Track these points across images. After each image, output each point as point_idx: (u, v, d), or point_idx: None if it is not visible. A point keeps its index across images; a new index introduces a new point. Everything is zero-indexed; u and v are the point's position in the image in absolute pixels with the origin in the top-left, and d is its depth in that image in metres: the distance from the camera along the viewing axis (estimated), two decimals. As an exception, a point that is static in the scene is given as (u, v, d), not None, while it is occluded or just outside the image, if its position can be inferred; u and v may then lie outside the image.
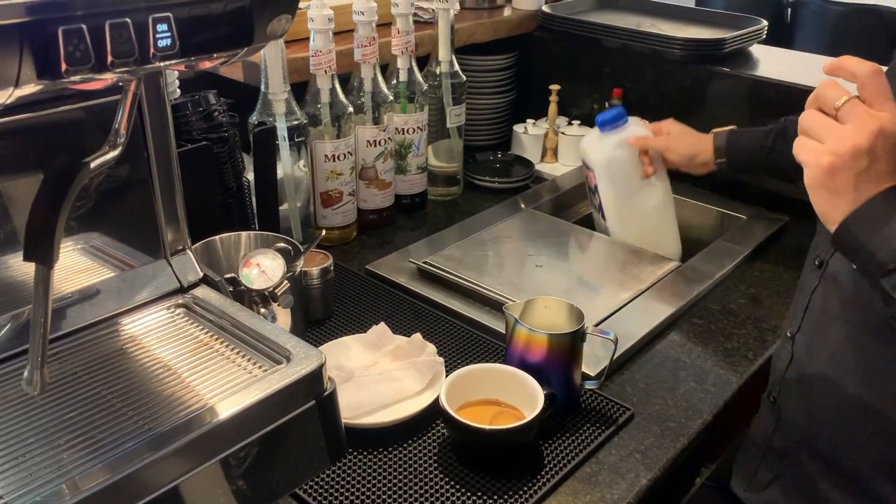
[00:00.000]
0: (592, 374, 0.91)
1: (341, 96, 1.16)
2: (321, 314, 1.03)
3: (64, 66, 0.43)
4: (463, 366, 0.85)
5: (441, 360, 0.89)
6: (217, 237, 0.93)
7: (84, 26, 0.43)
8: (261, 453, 0.61)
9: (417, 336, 0.91)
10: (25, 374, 0.55)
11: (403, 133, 1.28)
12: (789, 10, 3.38)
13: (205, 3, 0.48)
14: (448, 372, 0.87)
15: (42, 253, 0.48)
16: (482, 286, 1.05)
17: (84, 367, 0.64)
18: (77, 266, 0.70)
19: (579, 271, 1.19)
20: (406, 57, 1.24)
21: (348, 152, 1.19)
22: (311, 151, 1.16)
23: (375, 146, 1.23)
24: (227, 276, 0.81)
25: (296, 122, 1.10)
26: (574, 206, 1.43)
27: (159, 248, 0.73)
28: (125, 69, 0.46)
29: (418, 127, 1.28)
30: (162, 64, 0.48)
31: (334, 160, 1.18)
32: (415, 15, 1.24)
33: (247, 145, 1.07)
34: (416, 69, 1.26)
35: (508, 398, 0.84)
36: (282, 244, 0.89)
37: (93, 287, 0.70)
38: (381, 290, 1.10)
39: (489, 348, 0.97)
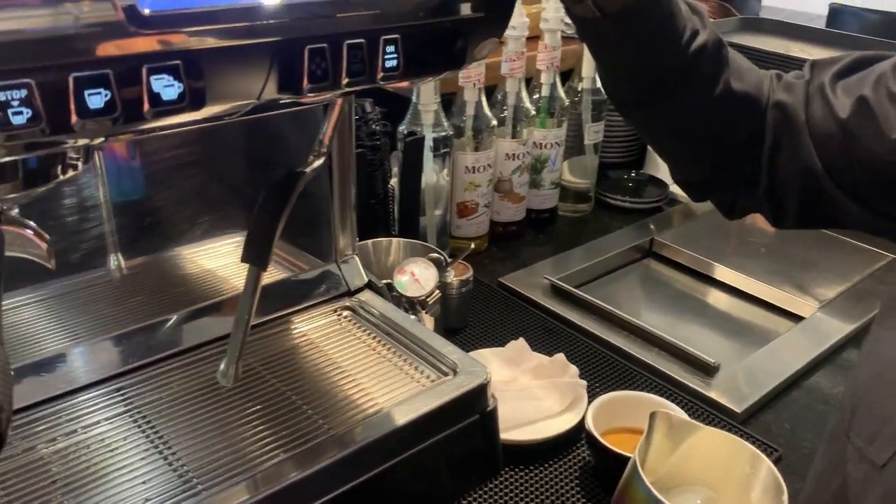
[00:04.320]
0: (738, 411, 0.89)
1: (486, 109, 1.17)
2: (457, 324, 1.04)
3: (306, 83, 0.45)
4: (602, 390, 0.84)
5: (584, 382, 0.88)
6: (369, 241, 0.96)
7: (327, 46, 0.45)
8: (424, 464, 0.62)
9: (560, 356, 0.91)
10: (222, 366, 0.58)
11: (541, 148, 1.28)
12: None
13: (430, 26, 0.50)
14: (588, 395, 0.86)
15: (259, 256, 0.51)
16: (620, 313, 1.04)
17: (262, 363, 0.67)
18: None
19: (715, 311, 1.16)
20: (551, 72, 1.24)
21: (488, 164, 1.20)
22: (452, 162, 1.17)
23: (514, 160, 1.23)
24: (385, 281, 0.84)
25: (442, 134, 1.12)
26: (707, 238, 1.36)
27: (329, 252, 0.76)
28: (355, 88, 0.48)
29: (556, 142, 1.28)
30: (384, 84, 0.50)
31: (474, 172, 1.19)
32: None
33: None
34: (559, 85, 1.26)
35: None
36: (434, 254, 0.91)
37: (267, 287, 0.73)
38: (513, 304, 1.10)
39: (629, 375, 0.96)
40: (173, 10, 0.39)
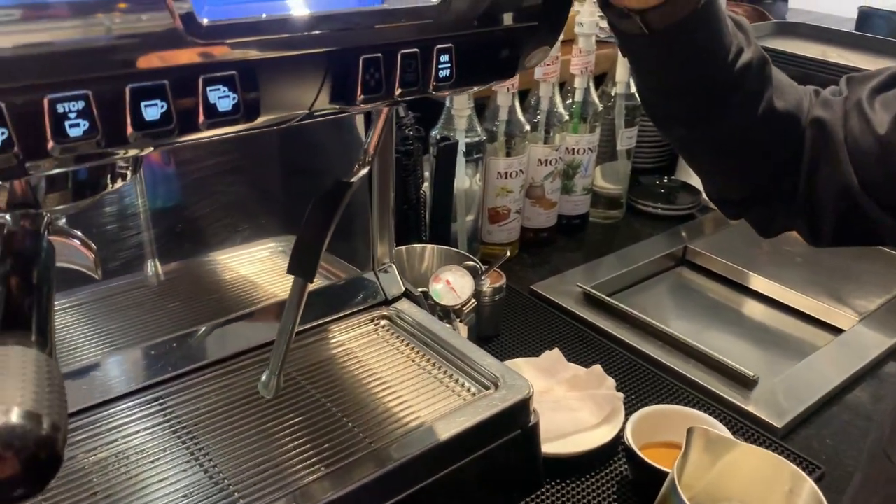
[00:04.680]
0: (779, 426, 0.87)
1: (519, 114, 1.16)
2: (489, 332, 1.03)
3: (360, 94, 0.44)
4: (638, 402, 0.83)
5: (621, 395, 0.87)
6: (403, 248, 0.95)
7: (381, 55, 0.44)
8: (465, 480, 0.61)
9: (597, 368, 0.89)
10: (263, 377, 0.57)
11: (574, 153, 1.26)
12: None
13: (483, 35, 0.48)
14: (625, 408, 0.85)
15: (306, 268, 0.50)
16: (656, 323, 1.02)
17: (301, 373, 0.66)
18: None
19: (750, 322, 1.13)
20: (584, 77, 1.22)
21: (520, 170, 1.18)
22: (485, 167, 1.16)
23: (546, 165, 1.22)
24: (421, 289, 0.82)
25: (475, 139, 1.11)
26: (741, 247, 1.32)
27: (367, 260, 0.75)
28: (407, 98, 0.47)
29: (589, 148, 1.27)
30: (436, 94, 0.49)
31: (506, 177, 1.18)
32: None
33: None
34: (592, 89, 1.24)
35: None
36: (470, 262, 0.89)
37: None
38: (546, 313, 1.09)
39: (665, 387, 0.94)
40: (231, 19, 0.38)
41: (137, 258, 0.69)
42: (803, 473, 0.68)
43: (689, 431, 0.68)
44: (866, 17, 2.99)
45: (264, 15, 0.39)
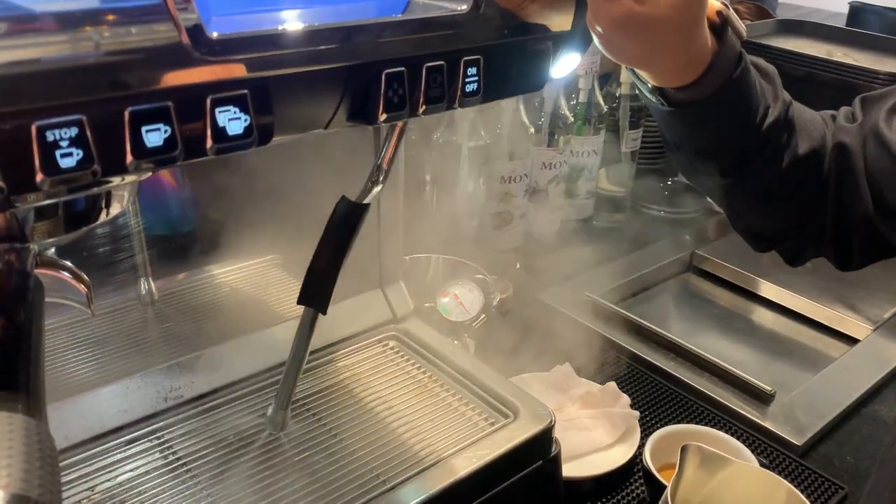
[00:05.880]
0: (799, 444, 0.84)
1: (524, 117, 1.12)
2: (496, 344, 0.99)
3: (381, 112, 0.40)
4: (652, 419, 0.79)
5: (636, 413, 0.83)
6: (406, 257, 0.90)
7: (404, 69, 0.40)
8: (483, 513, 0.58)
9: (612, 385, 0.86)
10: (269, 411, 0.53)
11: (578, 156, 1.23)
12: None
13: (513, 45, 0.44)
14: (640, 426, 0.81)
15: (319, 298, 0.46)
16: (669, 334, 0.99)
17: (309, 401, 0.62)
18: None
19: (762, 332, 1.10)
20: (589, 77, 1.18)
21: (524, 174, 1.14)
22: (488, 172, 1.12)
23: (550, 169, 1.18)
24: (428, 304, 0.79)
25: (479, 143, 1.06)
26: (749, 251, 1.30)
27: (374, 277, 0.71)
28: (432, 114, 0.43)
29: (594, 151, 1.23)
30: (461, 108, 0.45)
31: (510, 182, 1.14)
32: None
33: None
34: (597, 90, 1.20)
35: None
36: (480, 275, 0.85)
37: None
38: (554, 323, 1.05)
39: (682, 404, 0.91)
40: (242, 32, 0.34)
41: (130, 277, 0.64)
42: (798, 492, 0.66)
43: (684, 449, 0.66)
44: (857, 12, 2.96)
45: (279, 27, 0.35)
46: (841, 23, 3.16)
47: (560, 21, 0.46)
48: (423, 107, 0.42)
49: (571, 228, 1.28)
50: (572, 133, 1.20)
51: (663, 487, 0.72)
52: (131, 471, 0.54)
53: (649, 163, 1.48)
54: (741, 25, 0.54)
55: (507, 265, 1.17)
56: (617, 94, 1.26)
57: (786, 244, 0.66)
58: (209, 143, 0.34)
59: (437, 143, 1.05)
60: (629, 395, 0.87)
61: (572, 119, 1.18)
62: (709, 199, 1.35)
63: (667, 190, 1.40)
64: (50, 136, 0.30)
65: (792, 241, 0.65)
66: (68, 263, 0.42)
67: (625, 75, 1.24)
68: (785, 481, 0.67)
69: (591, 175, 1.25)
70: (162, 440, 0.57)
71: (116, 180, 0.35)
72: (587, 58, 1.16)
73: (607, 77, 1.28)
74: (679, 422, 0.87)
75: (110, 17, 0.31)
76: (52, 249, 0.43)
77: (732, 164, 0.59)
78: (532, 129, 1.13)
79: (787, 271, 1.19)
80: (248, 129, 0.35)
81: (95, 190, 0.37)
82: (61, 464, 0.51)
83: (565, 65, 0.50)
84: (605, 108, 1.22)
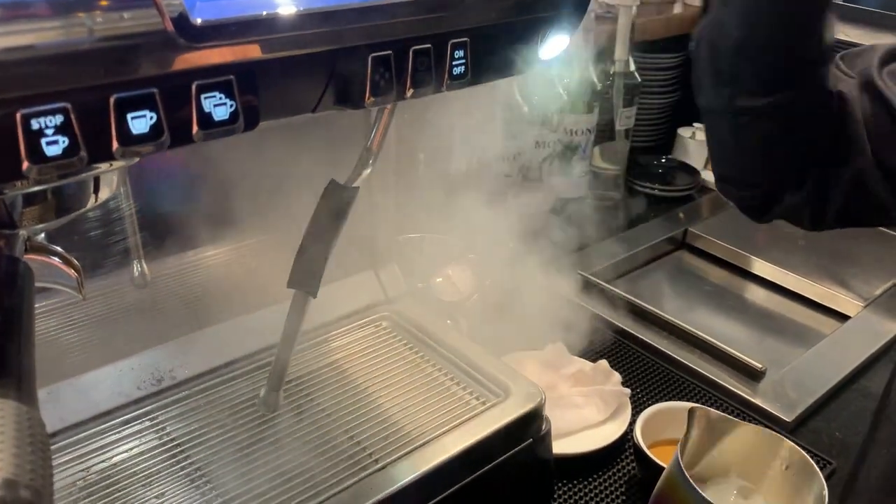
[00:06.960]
0: (789, 420, 0.85)
1: (517, 96, 1.11)
2: (489, 323, 1.00)
3: (368, 95, 0.40)
4: (643, 396, 0.80)
5: (627, 391, 0.84)
6: (400, 238, 0.91)
7: (391, 53, 0.40)
8: (473, 494, 0.58)
9: (604, 363, 0.86)
10: (262, 393, 0.53)
11: (572, 135, 1.22)
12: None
13: (502, 27, 0.44)
14: (631, 403, 0.82)
15: (309, 282, 0.46)
16: (660, 312, 0.99)
17: (301, 382, 0.63)
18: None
19: (754, 308, 1.11)
20: (582, 55, 1.18)
21: (518, 153, 1.14)
22: (482, 151, 1.12)
23: (543, 148, 1.18)
24: (420, 284, 0.79)
25: (473, 122, 1.06)
26: (742, 229, 1.30)
27: (367, 259, 0.71)
28: (420, 97, 0.43)
29: (588, 129, 1.23)
30: (448, 91, 0.45)
31: (504, 160, 1.14)
32: (593, 10, 1.18)
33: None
34: (591, 68, 1.20)
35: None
36: (472, 255, 0.86)
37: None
38: (545, 301, 1.06)
39: (673, 381, 0.92)
40: (227, 18, 0.34)
41: (123, 259, 0.64)
42: (799, 448, 0.67)
43: (691, 412, 0.68)
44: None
45: (264, 12, 0.35)
46: None
47: (548, 2, 0.46)
48: (411, 90, 0.42)
49: (564, 206, 1.28)
50: (566, 111, 1.19)
51: (654, 464, 0.74)
52: (125, 452, 0.54)
53: (642, 140, 1.48)
54: None
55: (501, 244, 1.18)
56: (611, 72, 1.25)
57: (760, 189, 0.64)
58: (195, 129, 0.34)
59: (430, 122, 1.04)
60: (621, 373, 0.88)
61: (565, 97, 1.17)
62: (702, 177, 1.35)
63: (660, 168, 1.40)
64: (35, 125, 0.30)
65: (766, 187, 0.64)
66: (58, 248, 0.42)
67: (618, 52, 1.24)
68: (786, 439, 0.68)
69: (584, 154, 1.25)
70: (156, 421, 0.57)
71: (104, 166, 0.35)
72: (581, 35, 1.16)
73: (601, 55, 1.27)
74: (670, 399, 0.88)
75: (95, 4, 0.31)
76: (42, 234, 0.43)
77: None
78: (526, 108, 1.12)
79: (779, 248, 1.20)
80: (233, 115, 0.35)
81: (83, 175, 0.37)
82: (56, 446, 0.52)
83: (554, 46, 0.50)
84: (599, 86, 1.21)
